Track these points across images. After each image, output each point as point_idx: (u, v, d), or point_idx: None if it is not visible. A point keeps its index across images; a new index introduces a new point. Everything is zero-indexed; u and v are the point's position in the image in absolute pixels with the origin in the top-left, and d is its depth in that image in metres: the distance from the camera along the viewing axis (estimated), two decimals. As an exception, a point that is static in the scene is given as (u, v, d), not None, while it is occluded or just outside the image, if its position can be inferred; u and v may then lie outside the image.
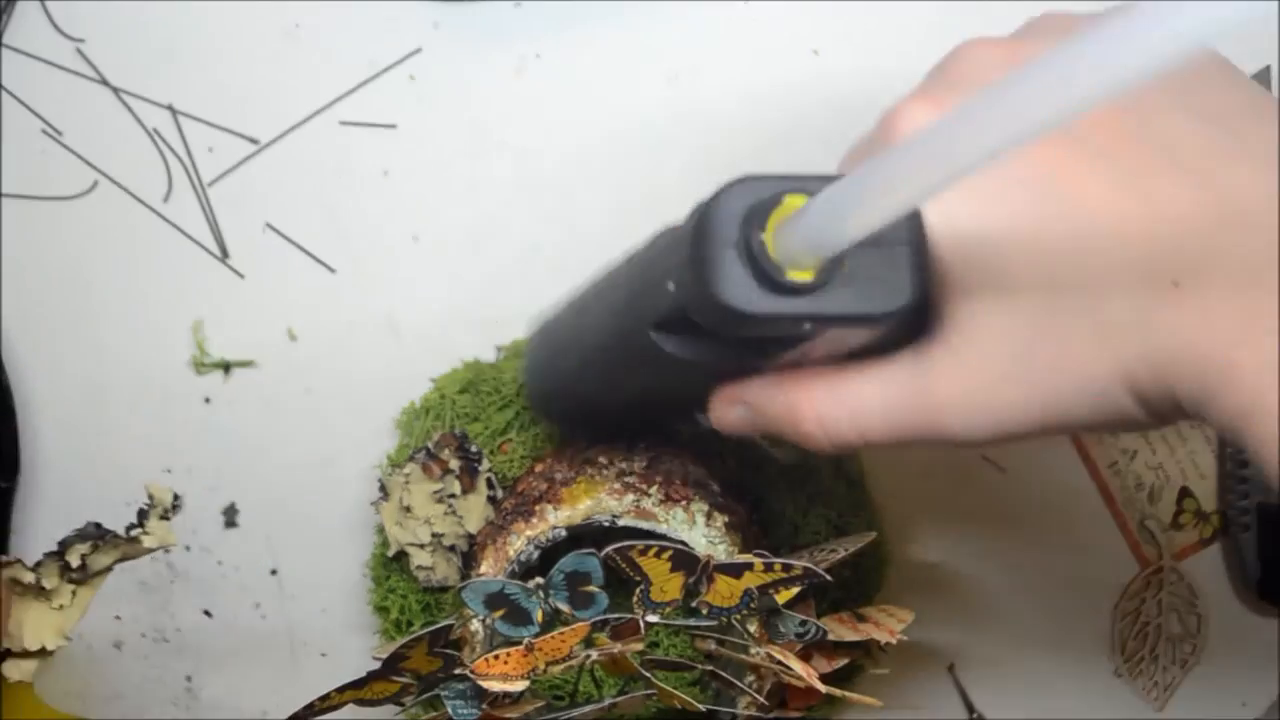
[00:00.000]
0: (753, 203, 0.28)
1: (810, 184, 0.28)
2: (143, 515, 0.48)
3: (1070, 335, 0.28)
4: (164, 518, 0.47)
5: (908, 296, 0.28)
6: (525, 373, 0.43)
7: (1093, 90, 0.19)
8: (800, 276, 0.27)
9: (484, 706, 0.38)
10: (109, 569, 0.48)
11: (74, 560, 0.46)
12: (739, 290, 0.27)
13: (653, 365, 0.33)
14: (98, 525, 0.48)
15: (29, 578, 0.46)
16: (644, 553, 0.35)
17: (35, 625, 0.47)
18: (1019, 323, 0.29)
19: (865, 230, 0.25)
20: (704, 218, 0.28)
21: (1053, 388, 0.29)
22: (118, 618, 0.54)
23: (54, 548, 0.50)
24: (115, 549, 0.47)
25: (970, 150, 0.22)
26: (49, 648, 0.47)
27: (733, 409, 0.34)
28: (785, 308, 0.27)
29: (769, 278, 0.27)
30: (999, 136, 0.21)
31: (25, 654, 0.46)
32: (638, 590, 0.37)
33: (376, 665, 0.36)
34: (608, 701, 0.40)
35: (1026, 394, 0.29)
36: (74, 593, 0.48)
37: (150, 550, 0.48)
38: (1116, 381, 0.28)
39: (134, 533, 0.48)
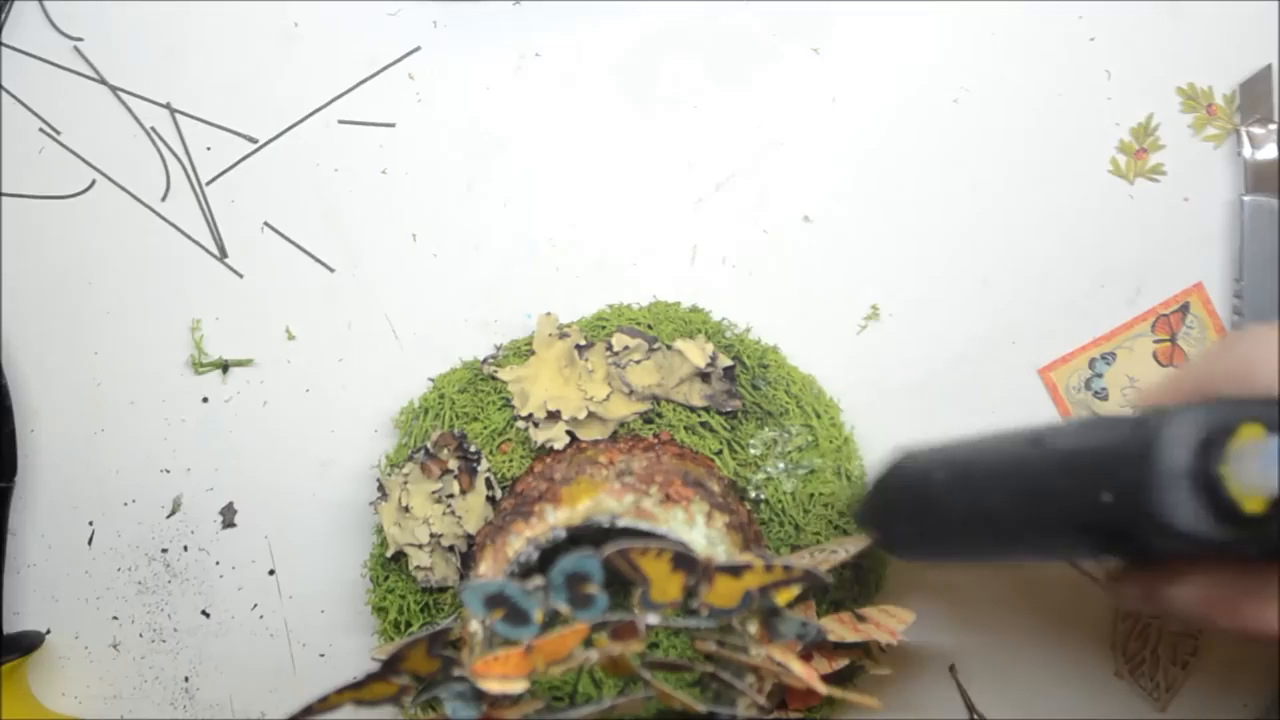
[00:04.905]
0: (1207, 431, 0.28)
1: (1265, 412, 0.28)
2: None
3: None
4: None
5: None
6: (867, 503, 0.44)
7: None
8: (1255, 508, 0.28)
9: (483, 707, 0.38)
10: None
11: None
12: (1192, 521, 0.28)
13: (1058, 544, 0.34)
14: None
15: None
16: (644, 553, 0.35)
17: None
18: None
19: None
20: (1156, 444, 0.28)
21: None
22: (115, 618, 0.54)
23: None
24: None
25: None
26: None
27: (1136, 595, 0.36)
28: (1240, 536, 0.28)
29: (1226, 511, 0.28)
30: None
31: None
32: (638, 591, 0.36)
33: (375, 666, 0.36)
34: (607, 702, 0.40)
35: None
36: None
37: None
38: None
39: None
